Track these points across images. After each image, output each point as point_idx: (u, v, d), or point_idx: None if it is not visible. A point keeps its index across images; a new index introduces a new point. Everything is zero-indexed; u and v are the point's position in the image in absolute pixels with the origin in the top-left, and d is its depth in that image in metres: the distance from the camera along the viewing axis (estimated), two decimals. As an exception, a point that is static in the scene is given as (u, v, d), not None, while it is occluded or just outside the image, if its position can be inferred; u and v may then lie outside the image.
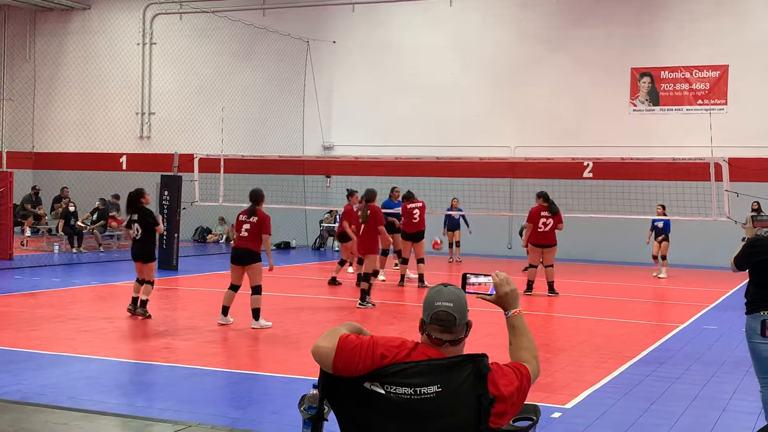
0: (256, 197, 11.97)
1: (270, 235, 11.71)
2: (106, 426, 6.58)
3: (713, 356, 10.20)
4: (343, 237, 16.98)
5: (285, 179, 24.57)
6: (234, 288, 11.74)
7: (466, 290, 3.67)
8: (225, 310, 11.72)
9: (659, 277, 19.91)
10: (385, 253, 17.28)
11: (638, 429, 6.82)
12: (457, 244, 23.03)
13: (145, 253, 12.51)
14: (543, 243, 15.82)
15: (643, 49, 24.80)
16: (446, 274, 19.08)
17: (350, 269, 18.20)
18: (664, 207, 20.22)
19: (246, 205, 12.13)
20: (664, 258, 20.20)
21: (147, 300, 12.20)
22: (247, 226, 11.67)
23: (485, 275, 3.69)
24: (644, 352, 10.30)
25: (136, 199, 12.58)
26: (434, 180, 23.99)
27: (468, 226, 22.90)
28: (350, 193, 16.93)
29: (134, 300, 12.33)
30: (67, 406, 6.97)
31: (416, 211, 17.06)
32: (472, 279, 3.71)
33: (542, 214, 15.84)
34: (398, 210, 17.86)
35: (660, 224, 20.02)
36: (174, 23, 29.35)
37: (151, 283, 12.41)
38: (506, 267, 19.82)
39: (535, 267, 15.94)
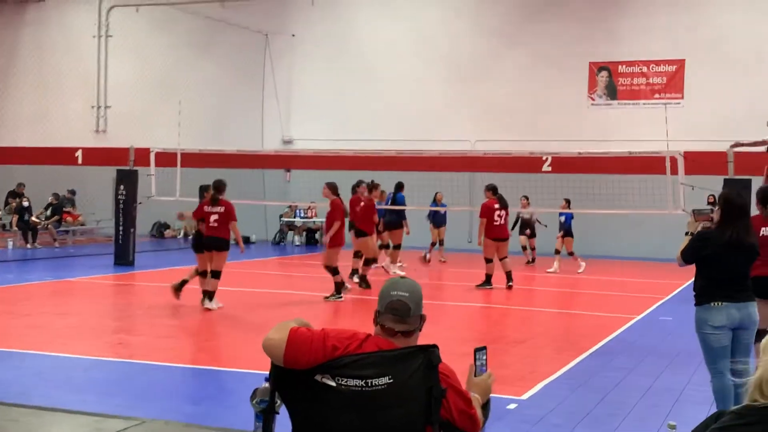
0: (218, 187, 12.52)
1: (236, 221, 12.48)
2: (56, 422, 6.45)
3: (667, 347, 10.31)
4: (360, 233, 15.91)
5: (244, 173, 24.38)
6: (203, 274, 12.34)
7: (477, 352, 3.75)
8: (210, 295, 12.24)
9: (550, 272, 19.45)
10: (397, 247, 18.19)
11: (592, 419, 6.86)
12: (441, 242, 21.32)
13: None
14: (500, 237, 15.88)
15: (601, 43, 25.00)
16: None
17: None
18: (568, 201, 20.05)
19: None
20: (571, 254, 19.87)
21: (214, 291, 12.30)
22: (215, 216, 12.30)
23: (485, 368, 3.77)
24: (599, 344, 10.37)
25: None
26: (395, 174, 23.93)
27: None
28: (373, 186, 16.35)
29: (205, 293, 12.35)
30: (16, 403, 6.84)
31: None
32: (483, 357, 3.77)
33: (495, 207, 15.92)
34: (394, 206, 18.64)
35: (562, 218, 19.95)
36: (130, 16, 28.96)
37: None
38: (467, 260, 19.90)
39: (492, 261, 15.84)
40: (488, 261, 15.84)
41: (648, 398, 7.66)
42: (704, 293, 6.23)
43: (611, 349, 10.07)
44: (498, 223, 15.88)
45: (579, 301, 14.90)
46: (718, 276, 6.17)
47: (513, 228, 20.10)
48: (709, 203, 20.89)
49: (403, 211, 18.75)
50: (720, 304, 6.16)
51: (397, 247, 18.34)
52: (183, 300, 12.67)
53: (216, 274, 12.28)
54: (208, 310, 12.10)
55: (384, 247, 18.28)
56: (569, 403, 7.39)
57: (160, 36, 28.52)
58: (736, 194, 6.61)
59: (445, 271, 19.41)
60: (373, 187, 16.06)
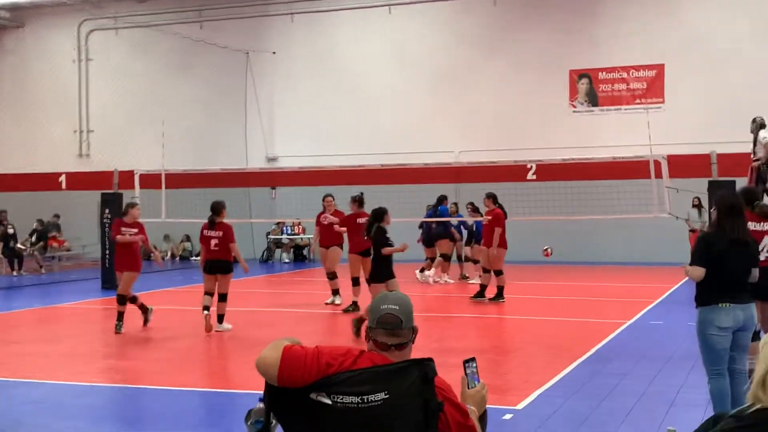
0: (216, 208, 12.51)
1: (235, 243, 12.44)
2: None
3: (660, 351, 10.31)
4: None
5: (229, 192, 24.25)
6: (210, 294, 12.26)
7: (466, 364, 3.73)
8: (207, 308, 12.11)
9: (471, 282, 18.86)
10: (447, 258, 18.95)
11: (589, 426, 6.84)
12: (464, 258, 20.46)
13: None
14: (506, 247, 15.72)
15: (580, 50, 25.12)
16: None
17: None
18: (476, 208, 19.30)
19: (192, 219, 12.31)
20: (477, 261, 18.69)
21: None
22: (215, 240, 12.26)
23: (477, 378, 3.76)
24: (592, 350, 10.37)
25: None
26: (380, 188, 23.93)
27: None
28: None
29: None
30: (8, 433, 6.77)
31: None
32: (473, 367, 3.76)
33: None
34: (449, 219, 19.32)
35: (473, 226, 19.58)
36: (110, 39, 28.95)
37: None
38: (455, 271, 19.87)
39: (502, 273, 15.47)
40: (499, 273, 15.43)
41: (643, 403, 7.65)
42: (710, 294, 6.22)
43: (604, 355, 10.07)
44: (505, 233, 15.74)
45: (568, 308, 14.89)
46: (725, 276, 6.18)
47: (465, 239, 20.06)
48: (693, 206, 20.99)
49: (449, 222, 19.36)
50: (727, 305, 6.16)
51: (444, 257, 19.04)
52: (174, 322, 12.61)
53: (223, 297, 12.31)
54: (219, 331, 12.11)
55: (430, 260, 19.42)
56: (565, 411, 7.38)
57: (141, 58, 28.49)
58: (730, 194, 6.70)
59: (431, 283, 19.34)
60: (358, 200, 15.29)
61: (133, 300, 12.71)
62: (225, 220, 12.66)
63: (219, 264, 12.28)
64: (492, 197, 15.93)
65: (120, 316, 12.33)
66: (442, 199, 19.68)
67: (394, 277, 11.29)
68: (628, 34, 24.65)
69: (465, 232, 20.14)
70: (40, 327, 13.49)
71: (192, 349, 11.00)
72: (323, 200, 15.74)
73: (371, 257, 11.74)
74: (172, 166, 20.79)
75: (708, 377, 6.30)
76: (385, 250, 11.24)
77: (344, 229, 14.82)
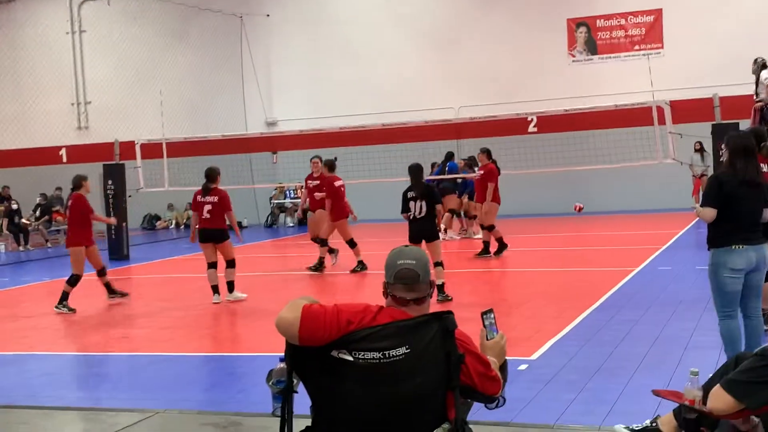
0: (210, 175, 12.00)
1: (231, 210, 11.92)
2: (69, 421, 6.44)
3: (670, 296, 10.32)
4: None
5: (230, 159, 24.24)
6: (212, 265, 11.85)
7: (484, 316, 3.76)
8: (215, 289, 11.78)
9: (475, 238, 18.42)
10: (454, 213, 19.17)
11: (605, 373, 6.86)
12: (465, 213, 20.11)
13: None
14: (499, 202, 15.68)
15: (577, -1, 24.90)
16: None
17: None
18: (470, 163, 19.21)
19: (195, 187, 12.08)
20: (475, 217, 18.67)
21: None
22: (208, 207, 11.76)
23: (496, 328, 3.79)
24: (602, 298, 10.39)
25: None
26: (382, 147, 23.87)
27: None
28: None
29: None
30: (26, 405, 6.80)
31: (342, 188, 14.81)
32: (491, 318, 3.78)
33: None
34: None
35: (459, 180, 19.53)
36: (102, 9, 28.64)
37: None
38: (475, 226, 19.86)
39: (495, 227, 15.38)
40: (491, 228, 15.35)
41: (657, 347, 7.67)
42: (724, 235, 6.17)
43: (614, 303, 10.08)
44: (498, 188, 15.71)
45: (575, 259, 14.90)
46: (739, 217, 6.13)
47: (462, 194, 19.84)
48: (696, 150, 20.91)
49: (456, 178, 19.31)
50: (741, 247, 6.11)
51: (452, 212, 19.11)
52: (182, 290, 12.65)
53: (231, 263, 11.88)
54: (233, 301, 11.74)
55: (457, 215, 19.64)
56: (580, 359, 7.40)
57: (134, 27, 28.23)
58: (743, 134, 6.64)
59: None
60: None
61: (102, 273, 12.38)
62: (228, 186, 12.48)
63: (212, 233, 11.77)
64: (486, 152, 15.84)
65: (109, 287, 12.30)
66: (450, 155, 19.69)
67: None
68: (624, -20, 24.42)
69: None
70: (50, 300, 13.49)
71: (202, 316, 11.03)
72: (311, 162, 15.38)
73: (425, 216, 10.93)
74: (172, 134, 20.72)
75: (719, 318, 6.30)
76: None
77: (323, 194, 14.56)
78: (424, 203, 10.87)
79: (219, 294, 11.78)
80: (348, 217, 14.75)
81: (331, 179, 14.52)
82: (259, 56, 27.50)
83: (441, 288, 10.59)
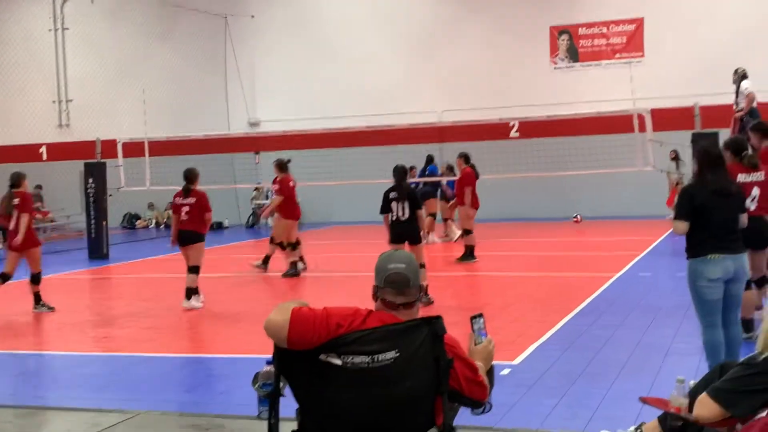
0: (189, 176, 11.78)
1: (210, 211, 11.65)
2: (51, 421, 6.41)
3: (651, 302, 10.41)
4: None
5: (213, 159, 24.18)
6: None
7: (473, 320, 3.79)
8: (189, 294, 11.46)
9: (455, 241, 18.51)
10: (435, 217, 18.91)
11: (587, 378, 6.91)
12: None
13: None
14: (478, 206, 15.72)
15: (559, 7, 25.04)
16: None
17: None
18: (451, 168, 19.30)
19: (176, 187, 11.96)
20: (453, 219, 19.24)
21: None
22: (186, 208, 11.53)
23: (485, 333, 3.81)
24: (584, 303, 10.46)
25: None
26: (364, 150, 23.91)
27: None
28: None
29: None
30: (7, 404, 6.77)
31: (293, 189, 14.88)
32: (480, 323, 3.80)
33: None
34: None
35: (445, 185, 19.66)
36: (86, 6, 28.43)
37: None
38: (441, 229, 19.91)
39: (472, 232, 15.38)
40: (468, 232, 15.40)
41: (639, 353, 7.74)
42: (699, 245, 6.20)
43: (596, 308, 10.16)
44: (476, 193, 15.77)
45: (557, 263, 14.98)
46: (712, 227, 6.16)
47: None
48: (671, 159, 21.08)
49: (438, 182, 19.30)
50: (717, 256, 6.12)
51: (432, 215, 18.83)
52: (163, 290, 12.61)
53: (194, 269, 11.44)
54: (189, 309, 11.26)
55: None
56: (562, 364, 7.45)
57: (118, 25, 28.11)
58: (710, 145, 6.69)
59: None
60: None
61: (36, 280, 11.70)
62: (210, 187, 12.32)
63: (188, 235, 11.49)
64: (463, 157, 15.88)
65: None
66: (431, 159, 19.71)
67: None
68: (607, -12, 24.59)
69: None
70: (30, 298, 13.42)
71: (184, 317, 11.00)
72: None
73: (408, 218, 10.84)
74: (154, 133, 20.64)
75: (702, 328, 6.33)
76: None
77: (281, 198, 14.44)
78: (406, 205, 10.77)
79: (199, 295, 11.66)
80: (298, 220, 14.69)
81: (284, 179, 14.42)
82: (243, 57, 27.46)
83: (425, 290, 10.59)
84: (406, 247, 10.52)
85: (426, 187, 19.10)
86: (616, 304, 10.36)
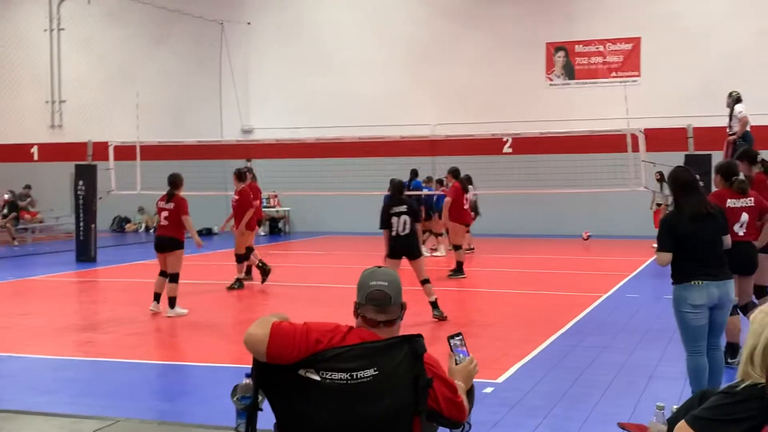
0: (174, 182, 11.74)
1: (188, 215, 11.47)
2: (30, 425, 6.34)
3: (637, 324, 10.39)
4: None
5: (205, 164, 24.13)
6: (163, 274, 11.51)
7: (450, 340, 3.79)
8: (157, 297, 11.48)
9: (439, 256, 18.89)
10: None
11: (570, 399, 6.88)
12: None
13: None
14: (468, 221, 15.71)
15: (557, 23, 25.09)
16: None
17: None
18: (441, 181, 19.62)
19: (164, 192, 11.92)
20: (440, 235, 19.42)
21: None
22: (165, 213, 11.49)
23: (465, 351, 3.79)
24: (570, 323, 10.43)
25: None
26: (356, 160, 23.88)
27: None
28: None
29: None
30: (-14, 408, 6.70)
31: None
32: (457, 342, 3.79)
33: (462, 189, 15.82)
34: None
35: (434, 199, 19.86)
36: (82, 7, 28.45)
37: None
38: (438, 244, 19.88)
39: (461, 248, 15.40)
40: (458, 248, 15.38)
41: (623, 376, 7.70)
42: (683, 271, 6.17)
43: (582, 328, 10.13)
44: (466, 207, 15.77)
45: (545, 282, 14.95)
46: (696, 253, 6.13)
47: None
48: (656, 180, 21.13)
49: (422, 196, 19.09)
50: (701, 282, 6.10)
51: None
52: (150, 296, 12.51)
53: (173, 278, 11.35)
54: (171, 317, 11.19)
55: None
56: (545, 384, 7.42)
57: (114, 28, 28.08)
58: (682, 170, 6.60)
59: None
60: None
61: None
62: (202, 193, 12.25)
63: (164, 241, 11.43)
64: (452, 172, 15.93)
65: None
66: (415, 173, 19.57)
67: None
68: (605, 7, 24.66)
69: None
70: (14, 300, 13.36)
71: (169, 324, 10.93)
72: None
73: (408, 233, 10.70)
74: (147, 137, 20.59)
75: (687, 354, 6.30)
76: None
77: (252, 209, 14.33)
78: (408, 219, 10.65)
79: (159, 303, 11.46)
80: (255, 230, 14.47)
81: (244, 190, 14.14)
82: (238, 63, 27.44)
83: (435, 304, 10.52)
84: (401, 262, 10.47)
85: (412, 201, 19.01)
86: (602, 326, 10.33)
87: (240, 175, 14.38)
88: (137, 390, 7.54)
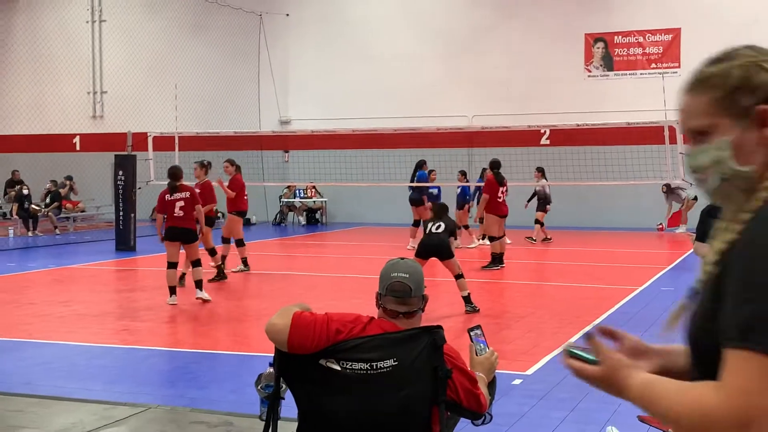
0: (175, 174, 11.90)
1: (200, 204, 11.79)
2: (63, 411, 6.47)
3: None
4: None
5: (242, 155, 24.25)
6: (173, 266, 11.61)
7: (472, 334, 3.77)
8: (173, 290, 11.55)
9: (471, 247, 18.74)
10: (417, 224, 18.15)
11: (598, 393, 6.83)
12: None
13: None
14: (505, 213, 15.68)
15: (596, 14, 24.86)
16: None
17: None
18: (464, 173, 20.12)
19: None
20: (467, 227, 19.62)
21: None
22: (180, 203, 11.62)
23: (485, 342, 3.79)
24: (603, 316, 10.38)
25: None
26: (393, 152, 23.91)
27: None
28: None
29: None
30: (21, 393, 6.86)
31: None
32: (479, 333, 3.79)
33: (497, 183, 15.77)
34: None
35: (458, 191, 20.07)
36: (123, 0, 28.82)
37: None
38: (467, 237, 19.89)
39: (496, 239, 15.34)
40: (494, 239, 15.39)
41: (652, 370, 7.65)
42: None
43: (615, 321, 10.07)
44: (502, 199, 15.73)
45: (579, 274, 14.88)
46: None
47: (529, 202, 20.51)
48: (663, 192, 21.01)
49: (426, 188, 18.94)
50: None
51: (416, 223, 18.10)
52: (187, 284, 12.69)
53: (197, 263, 11.66)
54: (205, 300, 11.46)
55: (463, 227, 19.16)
56: (574, 377, 7.38)
57: (154, 19, 28.35)
58: None
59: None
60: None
61: None
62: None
63: (183, 232, 11.56)
64: (490, 165, 15.94)
65: None
66: (421, 164, 19.13)
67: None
68: (645, -3, 24.40)
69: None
70: (54, 287, 13.60)
71: (205, 311, 11.07)
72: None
73: (440, 233, 10.93)
74: (185, 128, 20.80)
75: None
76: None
77: (234, 193, 14.50)
78: (442, 224, 10.86)
79: (176, 295, 11.55)
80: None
81: (205, 184, 13.84)
82: (276, 55, 27.57)
83: (468, 299, 10.56)
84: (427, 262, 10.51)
85: (414, 194, 18.78)
86: (635, 319, 10.27)
87: (203, 166, 14.16)
88: (170, 377, 7.67)
